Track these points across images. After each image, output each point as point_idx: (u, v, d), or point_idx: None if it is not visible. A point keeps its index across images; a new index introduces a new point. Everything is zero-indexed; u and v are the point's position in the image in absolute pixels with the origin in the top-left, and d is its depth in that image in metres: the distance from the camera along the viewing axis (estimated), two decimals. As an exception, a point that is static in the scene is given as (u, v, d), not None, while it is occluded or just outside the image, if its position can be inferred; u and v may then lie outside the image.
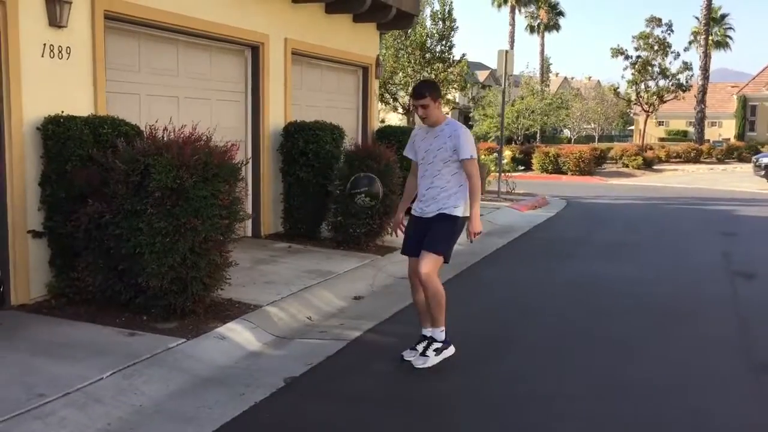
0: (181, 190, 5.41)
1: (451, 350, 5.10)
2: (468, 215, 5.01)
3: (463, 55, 22.06)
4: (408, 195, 5.45)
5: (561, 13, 53.95)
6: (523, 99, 34.53)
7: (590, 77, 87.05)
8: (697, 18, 41.51)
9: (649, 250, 10.23)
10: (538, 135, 42.71)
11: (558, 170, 28.78)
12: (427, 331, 5.14)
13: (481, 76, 51.72)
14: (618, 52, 33.35)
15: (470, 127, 45.21)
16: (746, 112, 50.11)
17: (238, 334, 5.64)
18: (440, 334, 5.04)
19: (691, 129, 53.10)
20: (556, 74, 73.60)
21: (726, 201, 17.68)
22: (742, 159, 34.84)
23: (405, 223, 5.39)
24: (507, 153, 23.70)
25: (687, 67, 33.07)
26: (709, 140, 42.72)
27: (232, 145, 5.99)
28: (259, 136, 9.15)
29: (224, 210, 5.67)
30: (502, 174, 16.89)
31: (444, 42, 20.83)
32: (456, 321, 5.61)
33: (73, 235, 5.80)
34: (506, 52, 15.32)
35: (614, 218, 14.36)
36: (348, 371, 5.07)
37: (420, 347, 5.14)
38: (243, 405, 4.40)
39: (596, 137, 51.73)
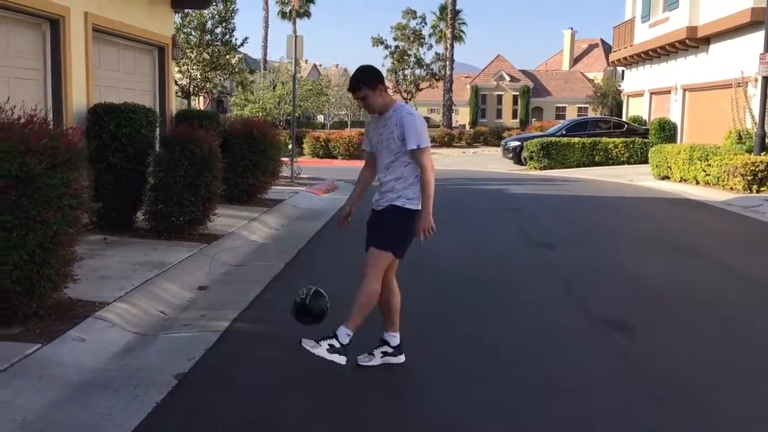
0: (28, 179, 4.81)
1: (342, 360, 4.41)
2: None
3: (246, 38, 21.75)
4: (359, 188, 5.02)
5: (312, 1, 54.95)
6: (284, 84, 34.70)
7: (338, 65, 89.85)
8: (434, 12, 44.31)
9: (458, 227, 10.88)
10: (293, 121, 42.87)
11: (329, 155, 29.46)
12: (389, 336, 4.81)
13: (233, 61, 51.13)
14: (378, 41, 34.86)
15: (224, 111, 44.26)
16: (478, 100, 55.20)
17: (97, 334, 5.17)
18: (345, 336, 4.43)
19: (432, 115, 57.11)
20: (305, 61, 74.74)
21: (491, 181, 19.31)
22: (487, 143, 38.09)
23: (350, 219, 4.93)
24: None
25: (439, 57, 35.49)
26: (458, 126, 46.28)
27: (72, 128, 5.43)
28: (61, 118, 8.29)
29: (74, 200, 5.16)
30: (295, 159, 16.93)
31: (224, 24, 20.28)
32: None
33: None
34: (296, 37, 15.33)
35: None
36: (237, 362, 4.89)
37: (378, 352, 4.79)
38: (144, 407, 4.07)
39: (349, 123, 53.48)
